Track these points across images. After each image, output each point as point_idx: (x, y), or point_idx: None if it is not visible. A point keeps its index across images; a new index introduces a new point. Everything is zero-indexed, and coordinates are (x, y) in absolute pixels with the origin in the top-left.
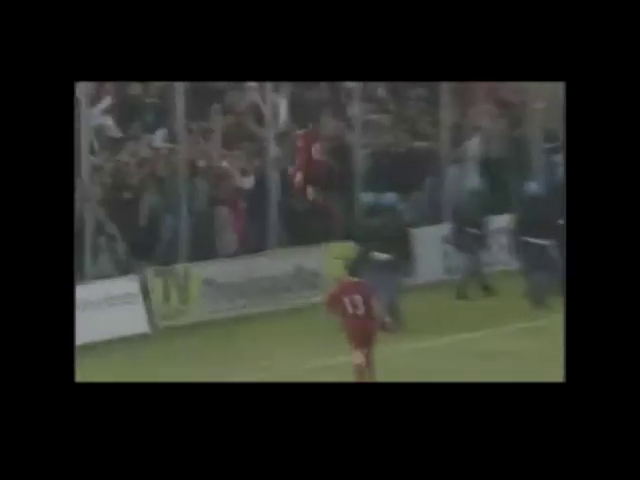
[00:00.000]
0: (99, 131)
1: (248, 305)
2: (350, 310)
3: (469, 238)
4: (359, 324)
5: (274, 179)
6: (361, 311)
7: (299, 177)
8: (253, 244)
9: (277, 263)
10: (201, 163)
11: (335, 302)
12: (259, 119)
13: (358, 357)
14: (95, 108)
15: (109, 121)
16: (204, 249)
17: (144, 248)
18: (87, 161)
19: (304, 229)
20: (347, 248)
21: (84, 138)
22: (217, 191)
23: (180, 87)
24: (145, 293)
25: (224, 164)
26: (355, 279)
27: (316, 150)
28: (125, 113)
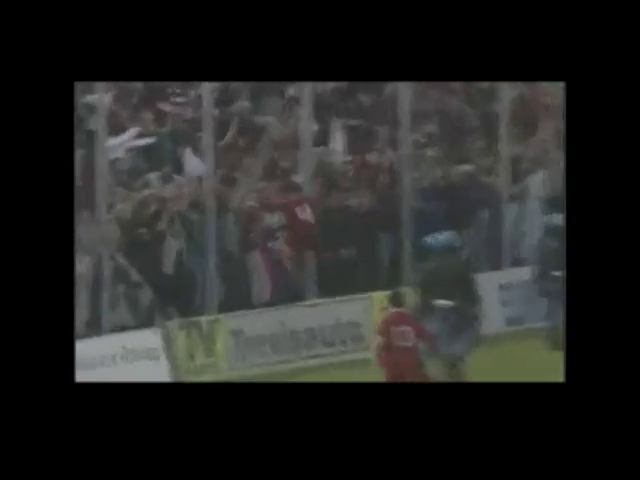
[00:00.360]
0: (116, 165)
1: (281, 360)
2: (396, 342)
3: (554, 282)
4: (402, 358)
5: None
6: (409, 343)
7: (285, 250)
8: (288, 292)
9: (315, 314)
10: (230, 201)
11: (384, 331)
12: (296, 148)
13: None
14: (117, 139)
15: (128, 154)
16: (235, 297)
17: (168, 296)
18: (104, 199)
19: (344, 276)
20: None
21: (100, 174)
22: (248, 232)
23: (208, 114)
24: (168, 347)
25: (253, 202)
26: (402, 309)
27: (302, 210)
28: (145, 146)
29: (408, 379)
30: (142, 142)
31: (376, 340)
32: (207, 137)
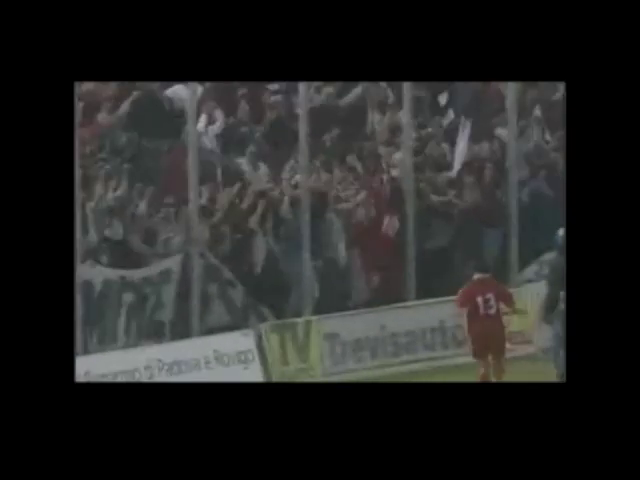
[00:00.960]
0: (204, 159)
1: (380, 365)
2: (482, 311)
3: None
4: (488, 325)
5: (412, 217)
6: (493, 310)
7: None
8: (387, 293)
9: (416, 316)
10: (329, 198)
11: (467, 301)
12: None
13: (483, 366)
14: (205, 131)
15: (216, 148)
16: (331, 299)
17: (261, 296)
18: (195, 197)
19: (447, 276)
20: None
21: (192, 169)
22: (346, 232)
23: (302, 105)
24: (261, 350)
25: (356, 197)
26: (488, 275)
27: (388, 225)
28: (235, 140)
29: (492, 350)
30: (220, 124)
31: (461, 314)
32: (303, 131)
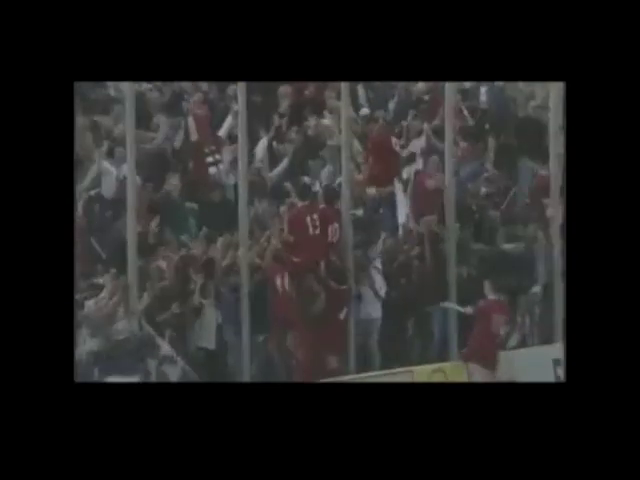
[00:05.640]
0: None
1: None
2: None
3: None
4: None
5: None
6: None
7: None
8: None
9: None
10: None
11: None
12: None
13: None
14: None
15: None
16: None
17: (200, 373)
18: (134, 264)
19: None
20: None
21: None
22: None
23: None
24: None
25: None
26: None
27: (333, 230)
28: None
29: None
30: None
31: None
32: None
